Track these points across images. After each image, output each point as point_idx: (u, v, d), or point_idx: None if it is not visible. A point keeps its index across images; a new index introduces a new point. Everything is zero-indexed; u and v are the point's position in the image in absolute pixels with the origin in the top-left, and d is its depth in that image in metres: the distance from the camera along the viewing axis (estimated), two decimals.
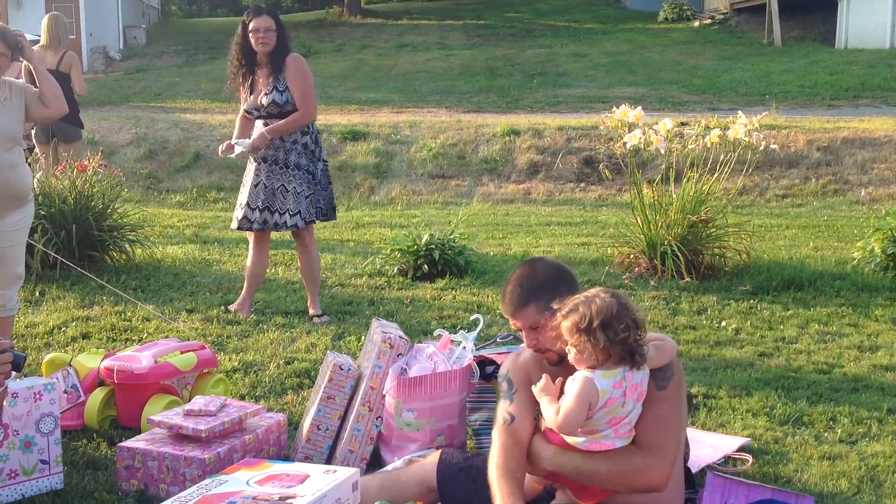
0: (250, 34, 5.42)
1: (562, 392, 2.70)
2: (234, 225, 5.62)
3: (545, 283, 2.83)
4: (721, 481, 3.03)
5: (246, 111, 5.58)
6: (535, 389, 2.74)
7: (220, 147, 5.65)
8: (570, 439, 2.68)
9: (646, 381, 2.66)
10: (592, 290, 2.69)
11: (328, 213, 5.70)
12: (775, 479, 3.49)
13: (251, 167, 5.56)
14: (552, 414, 2.67)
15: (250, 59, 5.51)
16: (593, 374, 2.61)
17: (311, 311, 5.73)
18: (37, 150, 8.37)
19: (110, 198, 7.18)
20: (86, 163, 7.06)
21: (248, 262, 5.78)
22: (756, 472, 3.55)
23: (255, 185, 5.49)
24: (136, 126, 13.28)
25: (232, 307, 5.78)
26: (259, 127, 5.55)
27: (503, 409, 2.87)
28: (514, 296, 2.85)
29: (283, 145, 5.48)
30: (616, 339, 2.58)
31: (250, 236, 5.73)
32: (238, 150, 5.50)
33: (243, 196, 5.56)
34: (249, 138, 5.54)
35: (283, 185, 5.47)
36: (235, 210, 5.68)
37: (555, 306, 2.70)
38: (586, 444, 2.66)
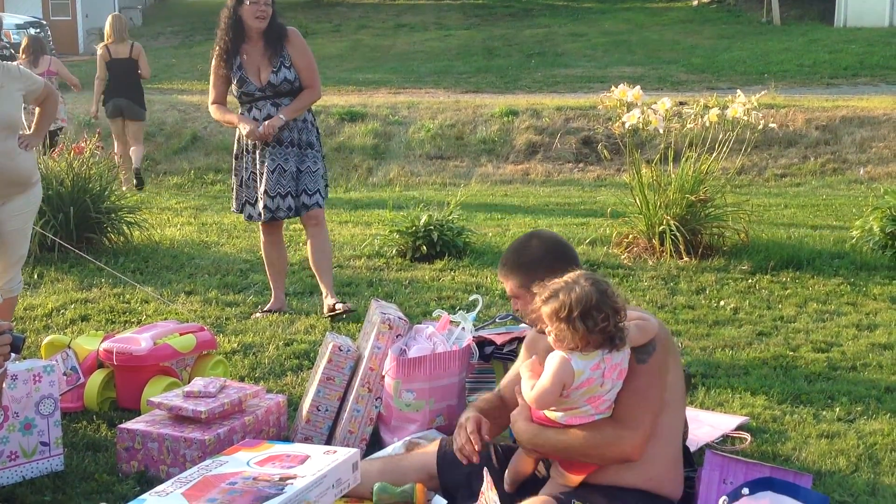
0: (248, 6, 5.03)
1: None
2: (267, 216, 5.19)
3: (528, 262, 2.93)
4: (720, 460, 3.03)
5: (245, 93, 5.16)
6: (523, 365, 2.77)
7: (249, 129, 5.09)
8: (549, 413, 2.70)
9: (626, 360, 2.66)
10: (573, 275, 2.66)
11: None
12: (774, 457, 3.50)
13: (254, 155, 5.19)
14: (528, 389, 2.70)
15: (239, 36, 5.13)
16: (570, 356, 2.61)
17: (329, 301, 5.31)
18: (110, 126, 10.24)
19: (108, 180, 7.18)
20: (83, 144, 7.05)
21: (272, 253, 5.41)
22: (755, 451, 3.56)
23: (274, 172, 5.11)
24: None
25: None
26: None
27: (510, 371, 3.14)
28: (501, 264, 3.04)
29: (297, 125, 5.18)
30: (595, 329, 2.57)
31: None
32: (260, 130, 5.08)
33: (264, 185, 5.14)
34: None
35: (297, 166, 5.17)
36: (260, 202, 5.19)
37: (534, 290, 2.70)
38: (566, 419, 2.69)
